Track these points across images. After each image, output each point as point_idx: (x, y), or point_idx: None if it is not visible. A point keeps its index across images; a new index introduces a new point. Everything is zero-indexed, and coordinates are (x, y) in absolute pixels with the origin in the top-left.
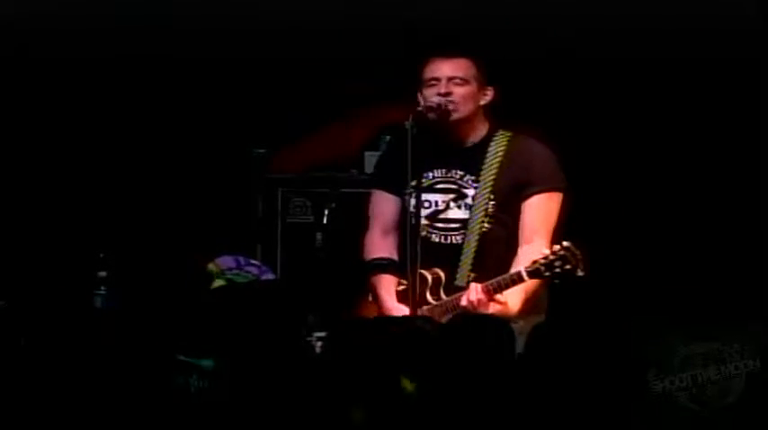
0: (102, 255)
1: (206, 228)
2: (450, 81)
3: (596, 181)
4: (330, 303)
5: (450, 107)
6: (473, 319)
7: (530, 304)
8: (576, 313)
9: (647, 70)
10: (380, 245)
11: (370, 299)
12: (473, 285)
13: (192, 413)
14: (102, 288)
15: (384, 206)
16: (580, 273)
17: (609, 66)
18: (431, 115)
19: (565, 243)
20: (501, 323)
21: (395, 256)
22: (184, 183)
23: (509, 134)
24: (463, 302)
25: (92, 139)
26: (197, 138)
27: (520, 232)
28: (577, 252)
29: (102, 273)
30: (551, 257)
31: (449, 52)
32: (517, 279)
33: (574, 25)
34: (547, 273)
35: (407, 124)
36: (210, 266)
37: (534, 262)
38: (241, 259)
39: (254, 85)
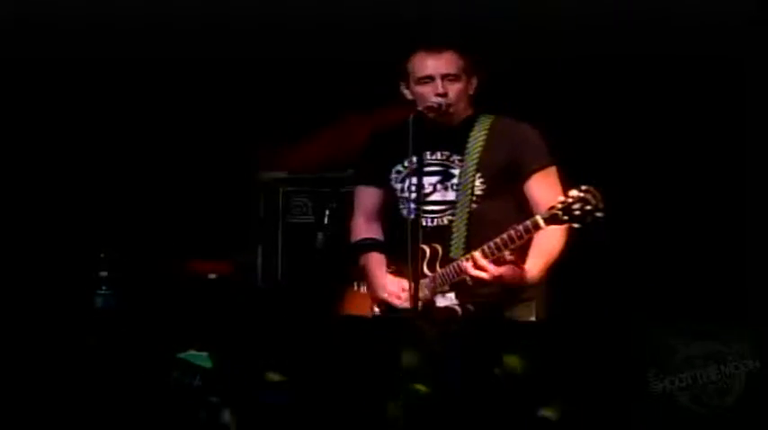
0: (102, 255)
1: (207, 228)
2: (444, 79)
3: (595, 180)
4: (330, 302)
5: (451, 109)
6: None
7: (548, 272)
8: (571, 306)
9: (641, 67)
10: (365, 228)
11: (355, 288)
12: (474, 254)
13: (191, 412)
14: (104, 288)
15: (366, 199)
16: (599, 214)
17: (604, 63)
18: (431, 115)
19: (583, 186)
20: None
21: (381, 238)
22: (185, 183)
23: (491, 116)
24: (471, 272)
25: (92, 139)
26: (197, 137)
27: (532, 208)
28: (597, 192)
29: (104, 273)
30: (569, 201)
31: (435, 47)
32: (532, 227)
33: (567, 21)
34: (565, 217)
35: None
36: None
37: (551, 208)
38: None
39: (253, 85)
